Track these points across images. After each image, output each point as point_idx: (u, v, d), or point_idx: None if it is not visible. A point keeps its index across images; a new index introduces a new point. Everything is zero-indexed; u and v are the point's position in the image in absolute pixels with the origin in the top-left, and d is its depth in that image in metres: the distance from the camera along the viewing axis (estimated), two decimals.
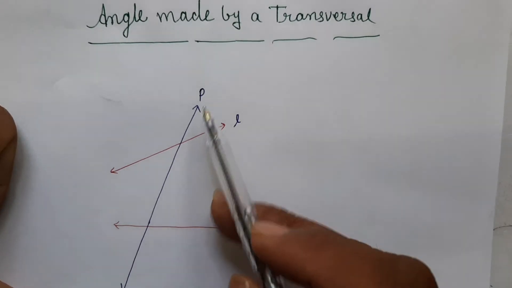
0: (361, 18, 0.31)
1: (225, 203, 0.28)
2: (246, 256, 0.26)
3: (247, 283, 0.25)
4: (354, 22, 0.31)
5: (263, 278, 0.25)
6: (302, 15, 0.31)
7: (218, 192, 0.29)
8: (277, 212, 0.28)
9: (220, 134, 0.28)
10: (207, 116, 0.29)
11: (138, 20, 0.30)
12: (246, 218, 0.26)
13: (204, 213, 0.32)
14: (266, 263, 0.25)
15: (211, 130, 0.29)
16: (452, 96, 0.32)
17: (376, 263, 0.22)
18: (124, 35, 0.30)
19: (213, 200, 0.29)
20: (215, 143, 0.28)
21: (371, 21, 0.31)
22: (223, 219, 0.28)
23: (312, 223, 0.27)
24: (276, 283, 0.24)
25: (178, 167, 0.31)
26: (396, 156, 0.32)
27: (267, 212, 0.27)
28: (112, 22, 0.30)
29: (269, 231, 0.25)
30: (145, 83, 0.31)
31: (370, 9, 0.31)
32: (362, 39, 0.31)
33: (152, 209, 0.32)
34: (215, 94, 0.31)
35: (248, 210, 0.27)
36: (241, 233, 0.26)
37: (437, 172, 0.32)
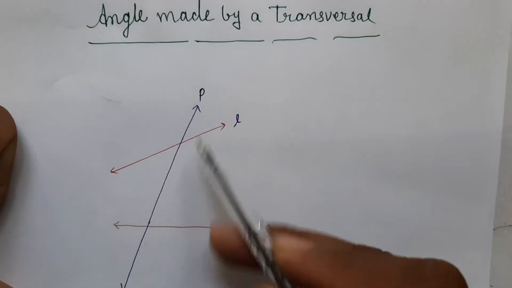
0: (361, 18, 0.31)
1: (223, 237, 0.27)
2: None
3: None
4: (354, 22, 0.31)
5: None
6: (302, 15, 0.31)
7: (214, 228, 0.28)
8: (290, 231, 0.27)
9: (216, 162, 0.28)
10: (201, 149, 0.29)
11: (138, 20, 0.30)
12: (259, 235, 0.26)
13: (204, 213, 0.32)
14: (289, 279, 0.24)
15: (210, 161, 0.28)
16: (452, 96, 0.32)
17: (403, 272, 0.22)
18: (124, 35, 0.30)
19: (211, 237, 0.28)
20: (216, 172, 0.28)
21: (371, 21, 0.31)
22: (227, 248, 0.27)
23: (325, 237, 0.27)
24: None
25: (178, 167, 0.31)
26: (396, 156, 0.32)
27: (280, 230, 0.27)
28: (112, 22, 0.30)
29: (293, 246, 0.24)
30: (145, 83, 0.31)
31: (370, 9, 0.31)
32: (362, 39, 0.31)
33: (152, 209, 0.32)
34: (215, 94, 0.31)
35: (260, 228, 0.26)
36: (255, 251, 0.26)
37: (437, 172, 0.32)
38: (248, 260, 0.27)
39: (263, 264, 0.26)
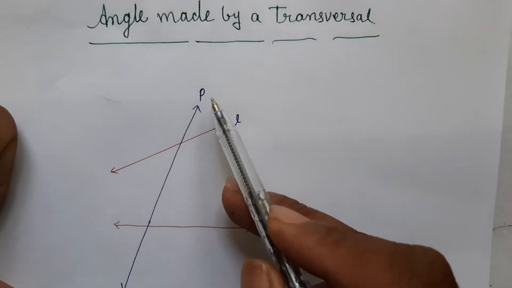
0: (360, 18, 0.31)
1: (236, 190, 0.28)
2: (256, 244, 0.26)
3: (264, 266, 0.24)
4: (353, 23, 0.31)
5: (279, 261, 0.25)
6: (302, 15, 0.31)
7: (230, 179, 0.28)
8: (290, 203, 0.28)
9: (230, 124, 0.29)
10: (216, 107, 0.29)
11: (138, 21, 0.30)
12: (260, 202, 0.26)
13: (204, 213, 0.32)
14: (281, 249, 0.24)
15: (220, 121, 0.29)
16: (452, 96, 0.32)
17: (391, 256, 0.22)
18: (124, 36, 0.30)
19: (225, 186, 0.28)
20: (225, 133, 0.28)
21: (371, 21, 0.31)
22: (234, 206, 0.28)
23: (325, 216, 0.27)
24: (292, 266, 0.24)
25: (178, 167, 0.31)
26: (396, 156, 0.32)
27: (280, 202, 0.27)
28: (112, 23, 0.30)
29: (288, 218, 0.24)
30: (145, 83, 0.31)
31: (369, 10, 0.31)
32: (362, 39, 0.31)
33: (153, 209, 0.32)
34: (215, 94, 0.31)
35: (262, 195, 0.26)
36: (255, 217, 0.26)
37: (437, 172, 0.32)
38: (252, 225, 0.27)
39: (261, 233, 0.26)
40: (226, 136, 0.28)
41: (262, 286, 0.24)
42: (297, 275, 0.24)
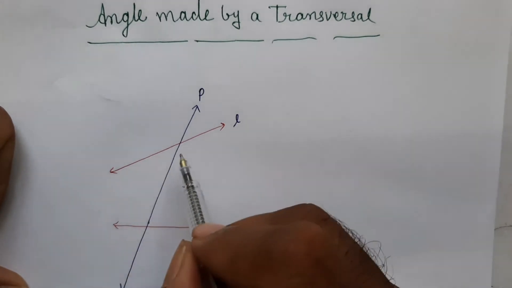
0: (361, 18, 0.31)
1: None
2: None
3: (184, 248, 0.25)
4: (354, 22, 0.31)
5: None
6: (302, 15, 0.31)
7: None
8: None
9: (196, 182, 0.29)
10: (183, 164, 0.30)
11: (137, 20, 0.30)
12: None
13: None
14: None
15: (186, 177, 0.29)
16: (452, 96, 0.32)
17: (258, 242, 0.21)
18: (123, 35, 0.30)
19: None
20: (189, 189, 0.29)
21: (371, 21, 0.31)
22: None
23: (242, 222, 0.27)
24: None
25: (177, 167, 0.31)
26: (396, 156, 0.32)
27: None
28: (111, 22, 0.30)
29: (202, 233, 0.25)
30: (145, 83, 0.31)
31: (370, 9, 0.31)
32: (362, 39, 0.31)
33: (152, 209, 0.31)
34: (215, 94, 0.31)
35: None
36: None
37: (437, 172, 0.32)
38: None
39: None
40: (189, 192, 0.29)
41: (177, 263, 0.25)
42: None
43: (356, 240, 0.22)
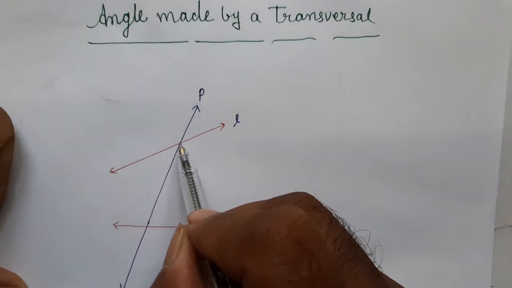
0: (360, 18, 0.31)
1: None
2: None
3: (181, 231, 0.26)
4: (353, 22, 0.31)
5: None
6: (301, 15, 0.31)
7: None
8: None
9: (194, 169, 0.30)
10: (181, 151, 0.31)
11: (138, 20, 0.30)
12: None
13: None
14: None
15: (184, 164, 0.30)
16: (452, 96, 0.32)
17: (244, 225, 0.21)
18: (124, 35, 0.30)
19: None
20: (187, 175, 0.29)
21: (371, 21, 0.31)
22: None
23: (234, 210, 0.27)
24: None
25: (177, 167, 0.31)
26: (396, 156, 0.32)
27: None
28: (112, 22, 0.30)
29: (197, 219, 0.25)
30: (145, 83, 0.31)
31: (369, 9, 0.31)
32: (362, 39, 0.31)
33: (152, 209, 0.31)
34: (215, 94, 0.31)
35: None
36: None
37: (437, 172, 0.32)
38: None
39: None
40: (188, 178, 0.29)
41: (175, 245, 0.26)
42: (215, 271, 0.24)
43: (346, 227, 0.23)
